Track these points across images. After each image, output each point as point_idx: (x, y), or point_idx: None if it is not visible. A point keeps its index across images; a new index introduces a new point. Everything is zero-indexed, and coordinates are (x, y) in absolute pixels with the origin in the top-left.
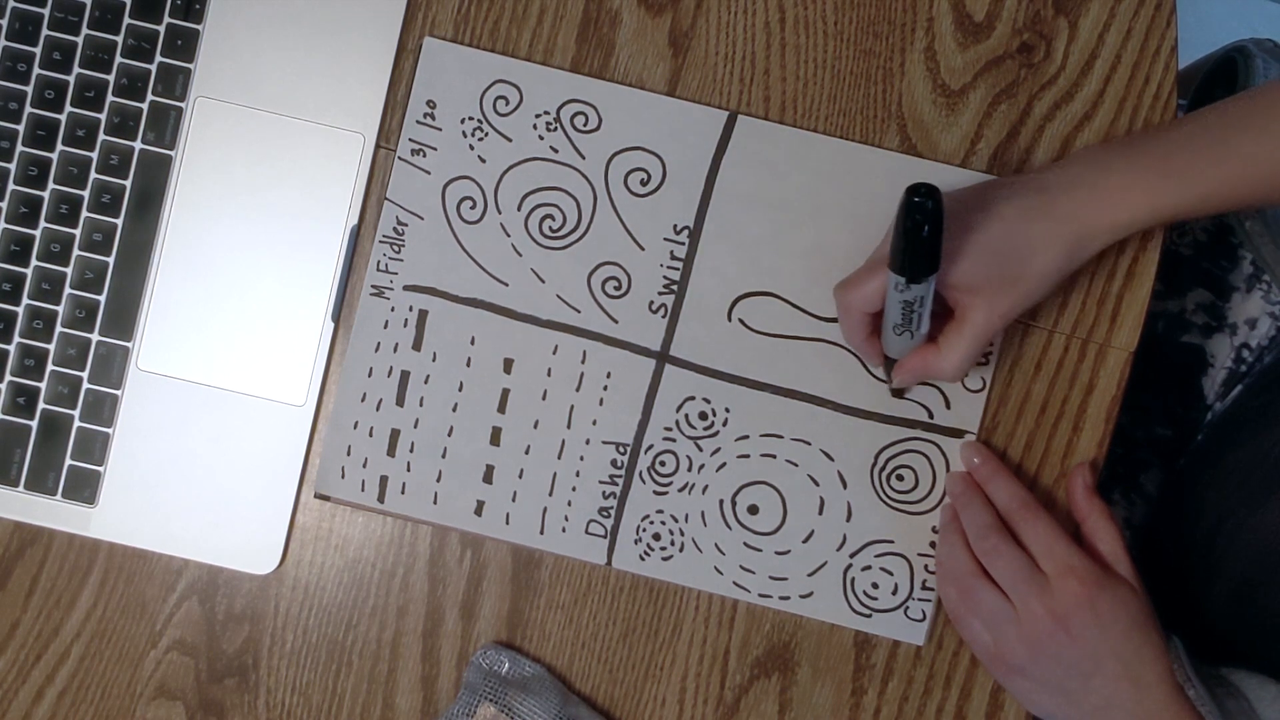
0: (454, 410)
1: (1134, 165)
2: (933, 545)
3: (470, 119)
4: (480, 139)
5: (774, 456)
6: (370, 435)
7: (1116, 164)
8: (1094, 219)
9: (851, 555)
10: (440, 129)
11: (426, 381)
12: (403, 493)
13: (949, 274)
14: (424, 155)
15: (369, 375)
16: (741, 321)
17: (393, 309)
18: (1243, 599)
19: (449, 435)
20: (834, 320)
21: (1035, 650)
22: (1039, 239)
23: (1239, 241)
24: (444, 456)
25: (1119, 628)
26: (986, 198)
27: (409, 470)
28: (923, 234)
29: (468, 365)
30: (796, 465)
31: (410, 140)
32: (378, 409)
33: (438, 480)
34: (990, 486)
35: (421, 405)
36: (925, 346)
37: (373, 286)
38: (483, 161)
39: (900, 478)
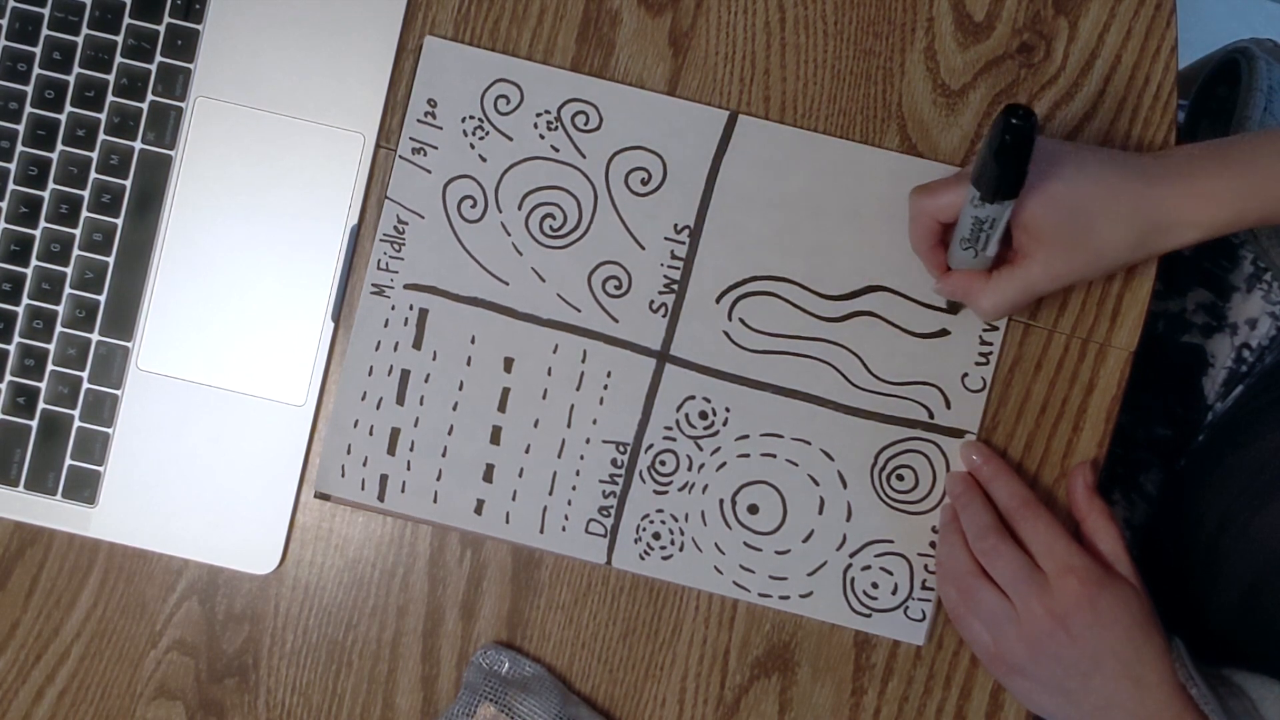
0: (454, 409)
1: (1224, 167)
2: (933, 545)
3: (471, 118)
4: (481, 138)
5: (774, 456)
6: (370, 434)
7: (1207, 164)
8: (1178, 211)
9: (851, 555)
10: (441, 128)
11: (427, 380)
12: (403, 491)
13: (1021, 212)
14: (425, 154)
15: (369, 374)
16: (742, 321)
17: (393, 307)
18: (1246, 601)
19: (449, 434)
20: (833, 320)
21: (1035, 650)
22: (1116, 212)
23: (1239, 241)
24: (444, 455)
25: (1119, 627)
26: (1083, 155)
27: (409, 469)
28: (1009, 156)
29: (468, 364)
30: (796, 465)
31: (411, 139)
32: (378, 408)
33: (438, 479)
34: (992, 486)
35: (422, 404)
36: (979, 273)
37: (373, 285)
38: (483, 160)
39: (900, 477)
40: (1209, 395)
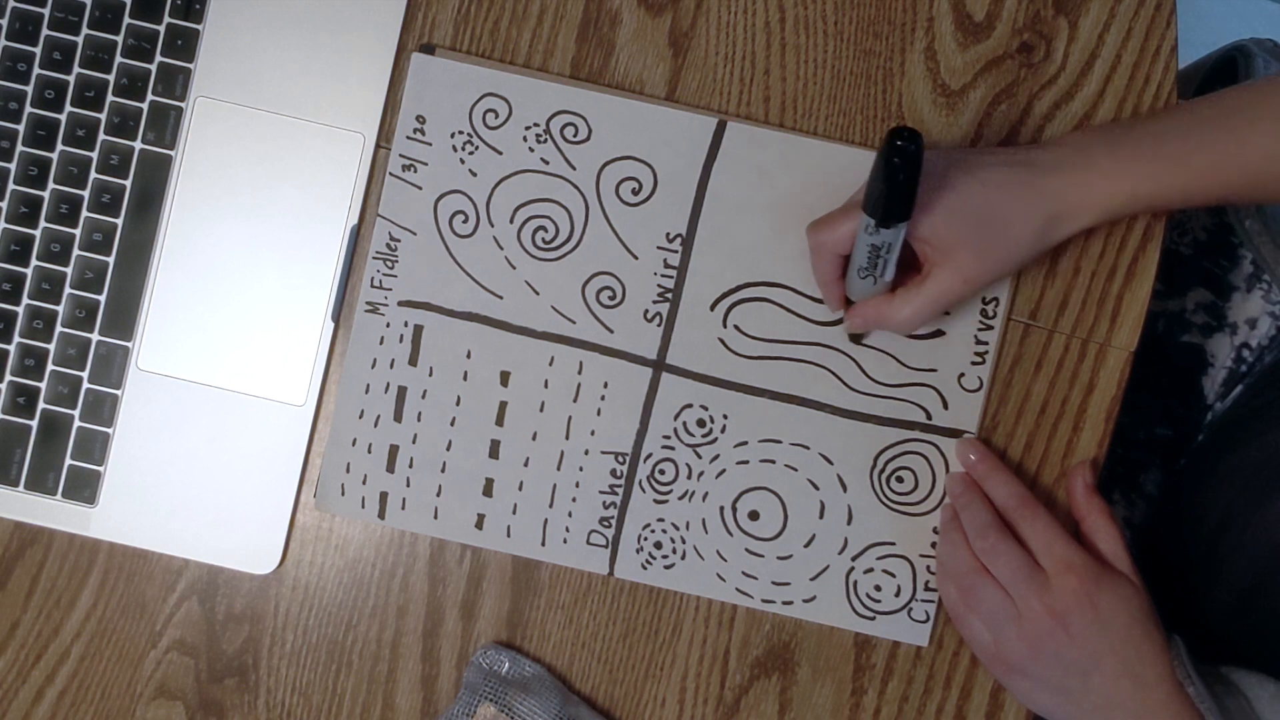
0: (452, 424)
1: (1120, 150)
2: (934, 546)
3: (460, 133)
4: (471, 153)
5: (773, 462)
6: (369, 452)
7: (1102, 148)
8: (1076, 199)
9: (854, 558)
10: (430, 144)
11: (424, 396)
12: (403, 508)
13: (922, 227)
14: (415, 170)
15: (366, 391)
16: (737, 327)
17: (388, 324)
18: (1247, 600)
19: (448, 450)
20: (831, 324)
21: (1035, 649)
22: (1018, 210)
23: (1239, 241)
24: (443, 471)
25: (1118, 625)
26: (971, 162)
27: (409, 486)
28: (898, 178)
29: (464, 379)
30: (796, 470)
31: (401, 156)
32: (376, 425)
33: (438, 495)
34: (988, 484)
35: (419, 420)
36: (884, 295)
37: (367, 303)
38: (474, 175)
39: (900, 479)
40: (1209, 395)
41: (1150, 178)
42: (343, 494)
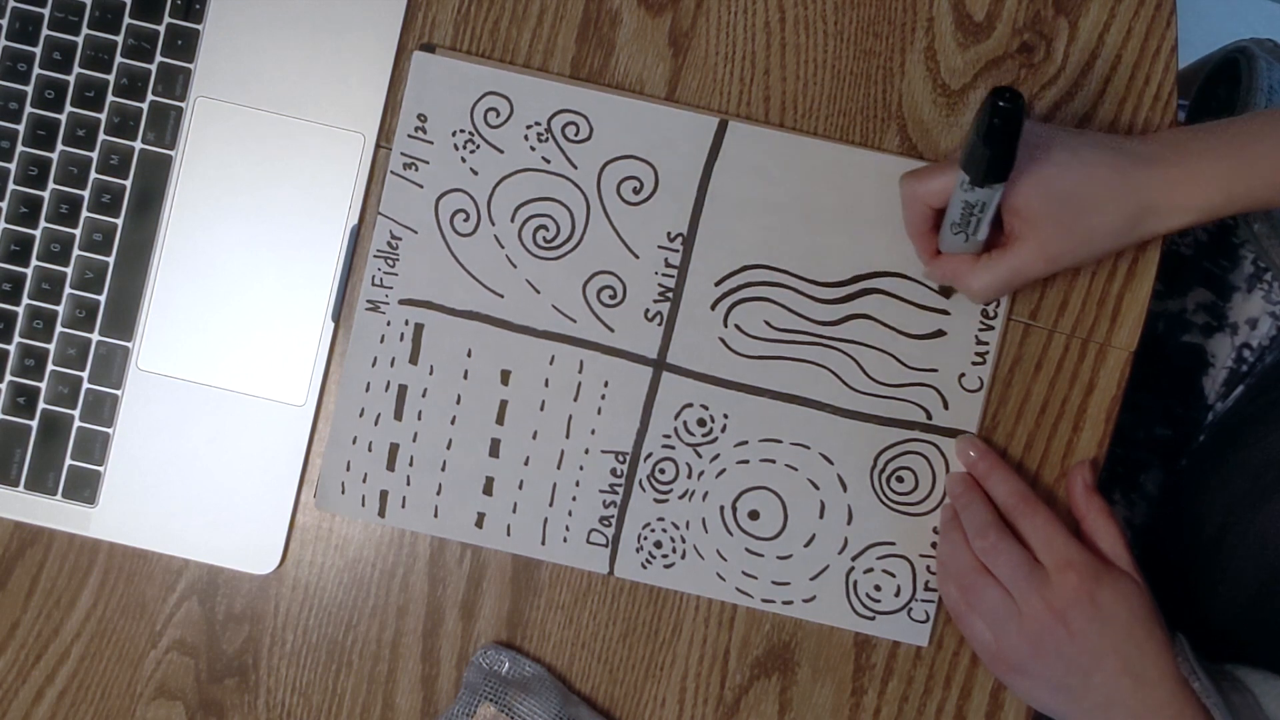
0: (452, 423)
1: (1212, 149)
2: (934, 546)
3: (461, 131)
4: (472, 151)
5: (773, 461)
6: (369, 450)
7: (1195, 147)
8: (1164, 196)
9: (853, 558)
10: (432, 142)
11: (424, 395)
12: (403, 507)
13: (1013, 197)
14: (416, 169)
15: (366, 390)
16: (738, 327)
17: (389, 323)
18: (1250, 603)
19: (448, 448)
20: (829, 324)
21: (1036, 647)
22: (1106, 197)
23: (1240, 241)
24: (443, 470)
25: (1119, 622)
26: (1072, 139)
27: (409, 484)
28: (997, 138)
29: (465, 378)
30: (796, 470)
31: (402, 154)
32: (376, 424)
33: (438, 494)
34: (989, 482)
35: (420, 419)
36: (970, 256)
37: (368, 301)
38: (475, 174)
39: (900, 479)
40: (1209, 395)
41: (1241, 178)
42: (343, 492)
